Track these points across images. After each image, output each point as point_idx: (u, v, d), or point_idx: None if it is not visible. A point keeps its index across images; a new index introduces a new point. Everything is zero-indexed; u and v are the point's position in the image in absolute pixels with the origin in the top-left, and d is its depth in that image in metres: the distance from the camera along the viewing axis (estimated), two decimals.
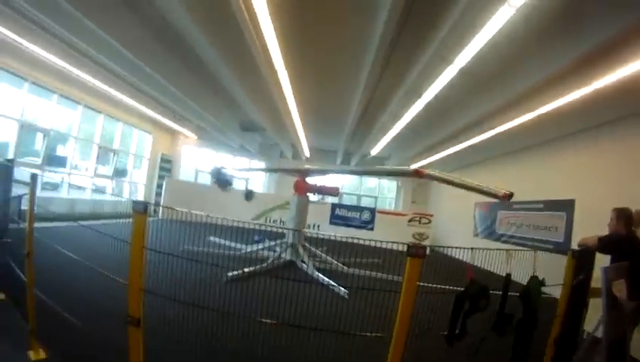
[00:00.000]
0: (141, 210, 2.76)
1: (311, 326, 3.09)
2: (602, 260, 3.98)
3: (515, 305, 2.93)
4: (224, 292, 3.80)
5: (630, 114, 7.77)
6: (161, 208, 15.46)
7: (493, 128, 9.80)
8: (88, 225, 3.92)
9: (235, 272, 6.42)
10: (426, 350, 2.93)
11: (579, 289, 3.47)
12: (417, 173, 7.12)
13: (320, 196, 10.90)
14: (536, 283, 2.92)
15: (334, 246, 13.07)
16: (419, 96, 8.47)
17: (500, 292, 2.83)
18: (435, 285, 3.68)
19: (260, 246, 9.17)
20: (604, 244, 3.96)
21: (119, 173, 15.33)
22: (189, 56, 8.94)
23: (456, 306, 2.57)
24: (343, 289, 6.54)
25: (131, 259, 2.79)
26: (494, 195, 5.85)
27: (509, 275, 2.79)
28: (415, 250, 2.32)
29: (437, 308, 3.05)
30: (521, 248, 10.40)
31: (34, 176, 3.41)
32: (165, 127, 16.63)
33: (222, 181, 12.12)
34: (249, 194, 12.94)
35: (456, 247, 3.17)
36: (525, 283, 2.96)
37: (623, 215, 4.23)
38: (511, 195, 5.80)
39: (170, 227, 3.60)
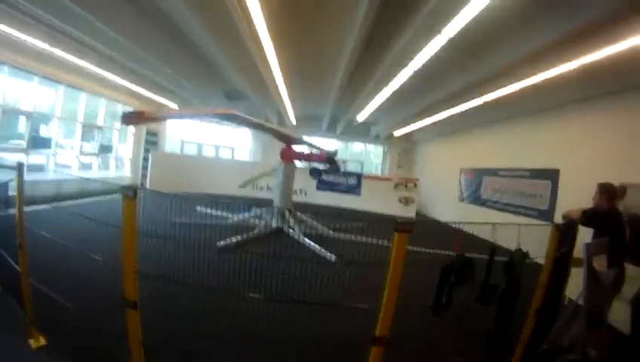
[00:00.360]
0: (130, 195, 2.80)
1: (301, 300, 3.18)
2: (585, 231, 4.15)
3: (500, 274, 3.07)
4: (216, 265, 3.83)
5: (619, 89, 7.86)
6: (148, 183, 15.64)
7: (481, 96, 9.85)
8: (78, 206, 3.94)
9: (224, 242, 6.44)
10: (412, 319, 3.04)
11: (562, 261, 3.62)
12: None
13: (323, 164, 10.98)
14: (519, 255, 3.05)
15: (322, 212, 13.46)
16: (404, 65, 8.46)
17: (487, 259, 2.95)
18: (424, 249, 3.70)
19: (247, 214, 9.27)
20: (587, 218, 4.10)
21: (105, 149, 15.21)
22: (169, 26, 8.74)
23: (442, 278, 2.69)
24: (330, 255, 6.62)
25: (124, 243, 2.84)
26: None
27: (493, 249, 2.91)
28: (402, 226, 2.40)
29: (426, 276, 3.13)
30: (508, 214, 10.79)
31: (20, 166, 3.38)
32: (149, 101, 16.23)
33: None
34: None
35: (471, 223, 3.24)
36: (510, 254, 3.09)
37: (605, 190, 4.38)
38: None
39: (158, 202, 3.57)
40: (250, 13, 6.49)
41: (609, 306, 4.19)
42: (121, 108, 15.59)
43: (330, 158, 10.79)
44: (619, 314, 4.53)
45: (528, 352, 3.53)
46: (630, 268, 4.65)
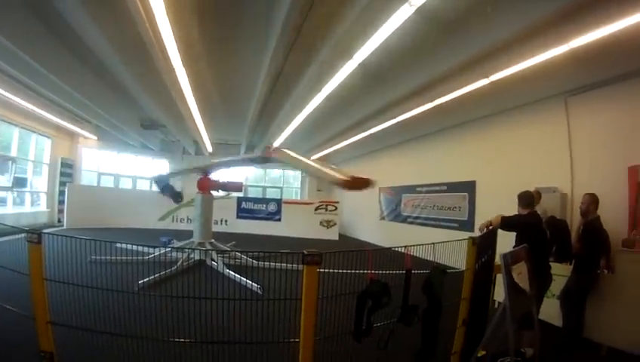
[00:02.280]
0: (35, 240, 2.75)
1: (226, 341, 3.19)
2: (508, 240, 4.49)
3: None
4: (137, 307, 3.75)
5: (523, 104, 8.85)
6: (65, 219, 15.10)
7: (394, 117, 10.49)
8: None
9: (146, 280, 6.30)
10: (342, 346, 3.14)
11: (484, 269, 3.89)
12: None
13: (225, 192, 11.09)
14: (437, 273, 3.25)
15: (244, 241, 13.60)
16: (318, 90, 8.81)
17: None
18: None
19: (169, 248, 9.17)
20: (505, 223, 4.43)
21: (19, 182, 14.33)
22: (85, 53, 8.52)
23: (359, 305, 2.82)
24: (254, 285, 6.73)
25: (33, 292, 2.78)
26: (335, 180, 5.30)
27: (409, 270, 3.08)
28: (311, 258, 2.48)
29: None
30: (430, 228, 11.51)
31: None
32: (64, 130, 15.88)
33: (171, 191, 12.15)
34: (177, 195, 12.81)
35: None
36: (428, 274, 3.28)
37: (522, 197, 4.74)
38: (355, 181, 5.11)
39: (74, 244, 3.48)
40: (165, 46, 6.62)
41: (540, 304, 4.51)
42: (35, 138, 14.98)
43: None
44: (550, 310, 4.90)
45: (463, 361, 3.75)
46: (556, 266, 5.08)
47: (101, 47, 7.62)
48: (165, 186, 11.98)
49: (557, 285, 5.07)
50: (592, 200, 5.41)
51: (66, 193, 15.61)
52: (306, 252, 2.50)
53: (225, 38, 7.63)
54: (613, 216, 5.98)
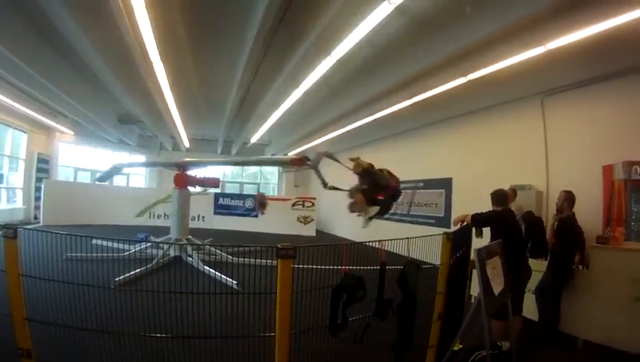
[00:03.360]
0: (11, 235, 2.74)
1: (203, 335, 3.21)
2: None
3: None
4: (114, 303, 3.76)
5: (500, 103, 9.06)
6: (42, 215, 15.00)
7: (372, 114, 10.63)
8: None
9: (122, 277, 6.29)
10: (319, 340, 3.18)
11: (459, 264, 3.98)
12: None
13: (202, 188, 11.12)
14: (411, 267, 3.32)
15: (221, 237, 13.75)
16: (297, 85, 8.85)
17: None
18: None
19: (145, 245, 9.15)
20: (476, 220, 4.53)
21: None
22: (62, 47, 8.46)
23: (333, 298, 2.88)
24: (231, 281, 6.74)
25: (9, 288, 2.77)
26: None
27: (383, 264, 3.14)
28: (285, 252, 2.53)
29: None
30: (407, 224, 11.65)
31: None
32: (40, 124, 15.62)
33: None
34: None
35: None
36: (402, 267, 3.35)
37: (494, 195, 4.85)
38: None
39: (52, 236, 3.45)
40: (143, 40, 6.59)
41: (522, 298, 4.72)
42: (11, 133, 14.72)
43: None
44: (526, 304, 5.02)
45: (439, 355, 3.83)
46: (531, 261, 5.21)
47: (79, 39, 7.55)
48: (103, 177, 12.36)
49: (533, 280, 5.17)
50: (567, 197, 5.54)
51: (43, 189, 15.39)
52: (279, 246, 2.54)
53: (204, 32, 7.62)
54: (588, 214, 6.16)
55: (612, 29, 5.02)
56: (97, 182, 13.64)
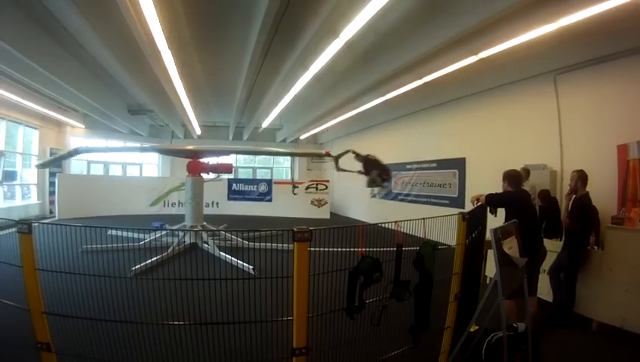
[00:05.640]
0: (26, 230, 2.74)
1: (221, 321, 3.22)
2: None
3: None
4: (131, 293, 3.64)
5: (513, 81, 8.91)
6: (57, 210, 15.09)
7: (383, 95, 10.69)
8: None
9: (139, 266, 6.31)
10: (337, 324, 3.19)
11: (475, 245, 3.95)
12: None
13: (215, 174, 11.15)
14: (428, 248, 3.29)
15: (236, 222, 13.70)
16: (306, 69, 8.79)
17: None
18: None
19: (160, 233, 9.26)
20: (490, 201, 4.49)
21: (9, 175, 14.31)
22: (68, 42, 8.55)
23: (350, 281, 2.87)
24: (247, 266, 6.81)
25: (26, 283, 2.78)
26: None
27: (400, 245, 3.12)
28: (301, 235, 2.52)
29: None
30: (421, 205, 11.75)
31: None
32: (50, 119, 15.77)
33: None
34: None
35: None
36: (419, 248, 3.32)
37: (507, 176, 4.79)
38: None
39: (66, 234, 3.45)
40: (150, 29, 6.59)
41: (536, 278, 4.68)
42: (22, 130, 14.87)
43: None
44: (541, 285, 4.98)
45: (456, 335, 3.83)
46: (546, 242, 5.16)
47: (86, 33, 7.59)
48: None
49: (547, 261, 5.12)
50: (580, 177, 5.46)
51: (57, 183, 15.51)
52: (295, 229, 2.53)
53: (211, 19, 7.61)
54: (603, 194, 6.09)
55: (624, 4, 4.93)
56: (37, 168, 13.92)
